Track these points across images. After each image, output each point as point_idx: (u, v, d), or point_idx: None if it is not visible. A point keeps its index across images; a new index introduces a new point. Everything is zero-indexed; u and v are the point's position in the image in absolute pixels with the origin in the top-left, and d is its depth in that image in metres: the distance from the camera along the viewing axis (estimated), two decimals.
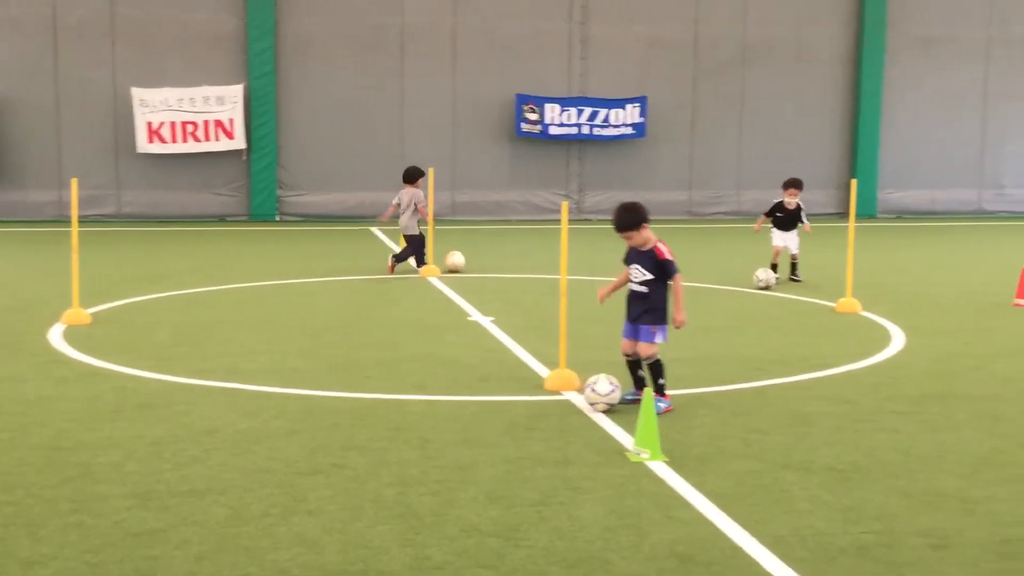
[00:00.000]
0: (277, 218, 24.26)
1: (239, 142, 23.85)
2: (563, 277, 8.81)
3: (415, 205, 15.47)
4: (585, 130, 25.20)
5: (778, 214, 15.14)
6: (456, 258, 15.73)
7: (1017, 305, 13.03)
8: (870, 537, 5.65)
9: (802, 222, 15.09)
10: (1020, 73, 27.18)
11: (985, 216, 27.15)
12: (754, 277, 14.27)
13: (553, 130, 25.06)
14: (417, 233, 15.50)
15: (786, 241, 15.01)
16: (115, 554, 5.33)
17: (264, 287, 14.48)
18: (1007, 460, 7.04)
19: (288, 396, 8.52)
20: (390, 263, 15.43)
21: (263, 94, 23.91)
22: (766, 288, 14.05)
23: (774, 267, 14.78)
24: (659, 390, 8.04)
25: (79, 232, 11.94)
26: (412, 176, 15.77)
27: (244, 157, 24.03)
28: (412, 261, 15.64)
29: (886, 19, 26.11)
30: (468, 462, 6.85)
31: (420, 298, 13.58)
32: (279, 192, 24.40)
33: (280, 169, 24.34)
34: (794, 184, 15.23)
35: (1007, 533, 5.73)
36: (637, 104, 25.25)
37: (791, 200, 15.04)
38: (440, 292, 13.93)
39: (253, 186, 24.21)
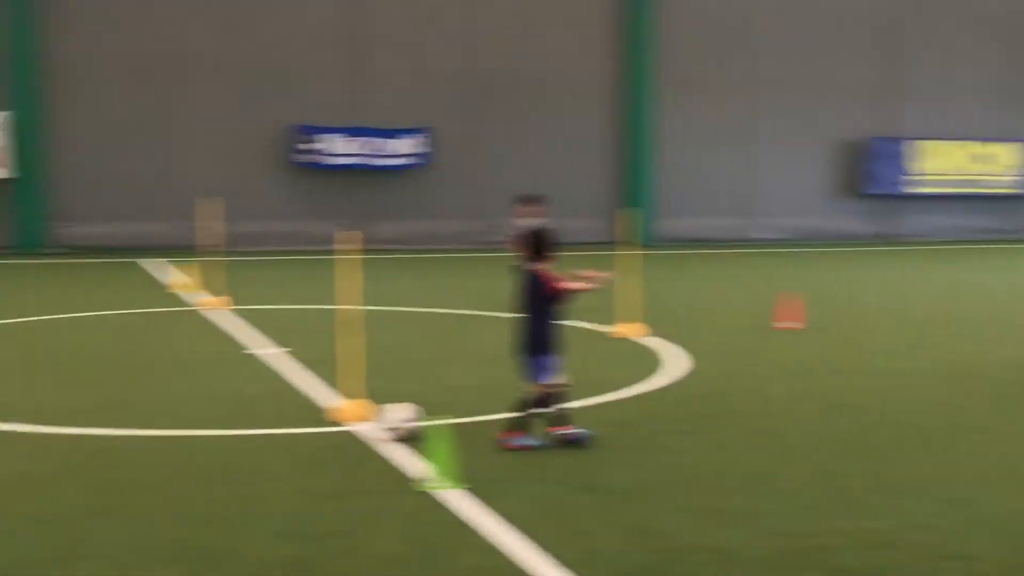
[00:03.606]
0: (45, 251, 23.17)
1: (4, 171, 22.70)
2: (345, 307, 8.75)
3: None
4: (365, 160, 25.17)
5: None
6: None
7: (778, 328, 13.75)
8: (659, 556, 5.83)
9: None
10: (780, 109, 28.80)
11: (749, 243, 28.55)
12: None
13: (331, 160, 24.94)
14: None
15: None
16: None
17: (26, 323, 13.79)
18: (780, 475, 7.41)
19: (60, 436, 8.13)
20: None
21: (28, 121, 22.87)
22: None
23: None
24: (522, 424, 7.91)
25: None
26: (533, 201, 14.48)
27: (9, 186, 22.87)
28: None
29: (653, 57, 27.21)
30: (256, 497, 6.70)
31: (196, 331, 13.22)
32: (50, 223, 23.32)
33: (50, 199, 23.29)
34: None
35: (782, 544, 6.03)
36: (420, 135, 25.42)
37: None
38: (218, 324, 13.60)
39: (20, 216, 23.06)
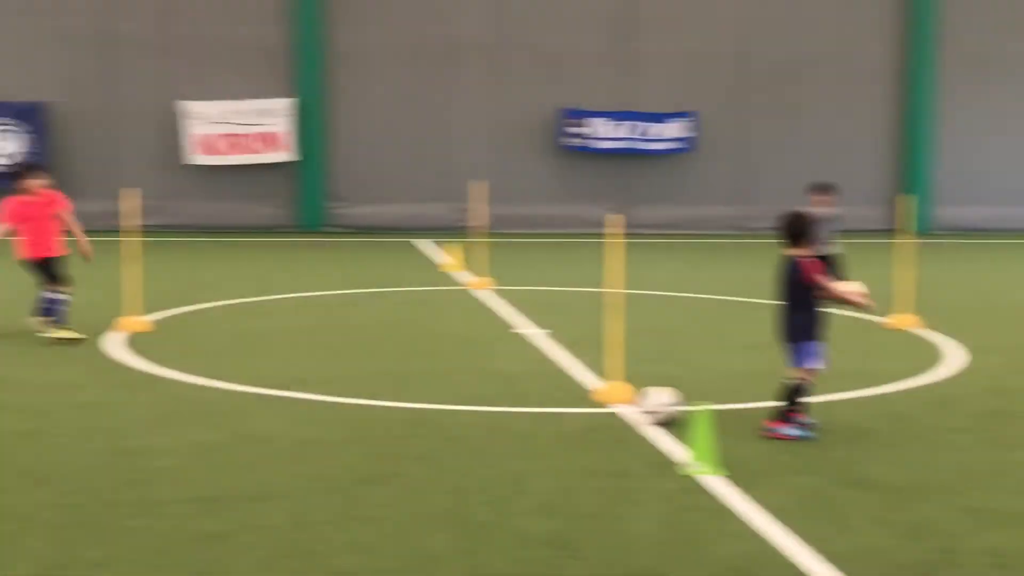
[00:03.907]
0: (326, 229, 24.43)
1: (288, 154, 24.07)
2: (613, 290, 8.81)
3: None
4: (632, 144, 25.19)
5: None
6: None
7: None
8: (933, 555, 5.60)
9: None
10: None
11: None
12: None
13: (599, 144, 25.08)
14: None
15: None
16: (179, 557, 5.40)
17: (313, 297, 14.59)
18: None
19: (343, 405, 8.58)
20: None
21: (311, 107, 24.12)
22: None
23: None
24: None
25: (131, 242, 12.10)
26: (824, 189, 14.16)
27: (293, 169, 24.24)
28: None
29: (936, 35, 25.92)
30: (522, 473, 6.86)
31: (468, 310, 13.62)
32: (328, 204, 24.57)
33: (329, 181, 24.53)
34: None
35: None
36: (685, 118, 25.22)
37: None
38: (488, 304, 13.97)
39: (302, 198, 24.41)
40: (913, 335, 12.12)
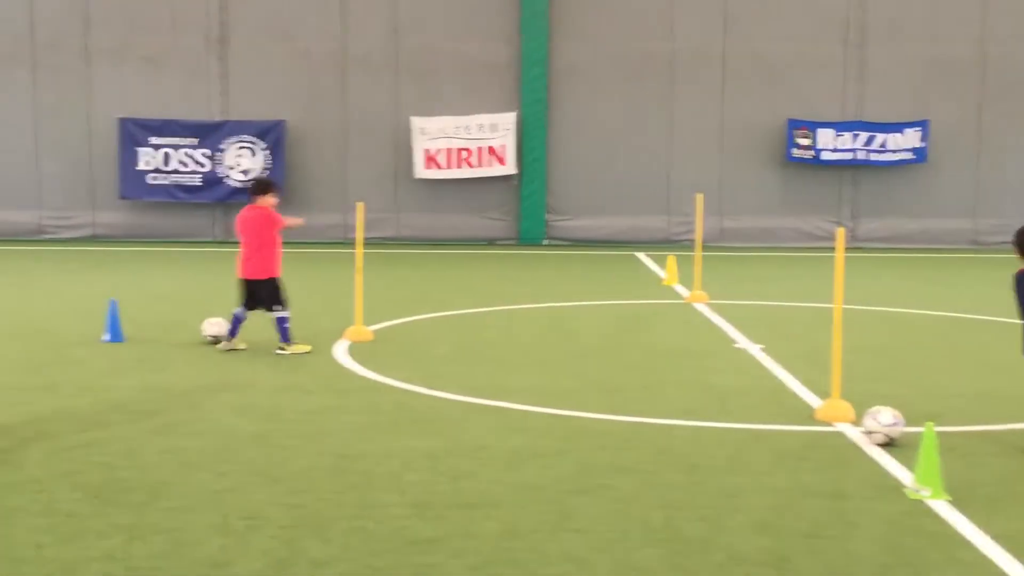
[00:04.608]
0: (545, 242, 24.69)
1: (510, 168, 24.46)
2: (838, 305, 8.57)
3: None
4: (860, 155, 24.42)
5: None
6: None
7: None
8: None
9: None
10: None
11: None
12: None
13: (826, 155, 24.43)
14: None
15: None
16: (395, 559, 5.56)
17: (532, 309, 14.76)
18: None
19: (556, 416, 8.65)
20: None
21: (534, 121, 24.44)
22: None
23: None
24: None
25: (359, 253, 12.53)
26: None
27: (515, 183, 24.62)
28: None
29: None
30: (736, 489, 6.75)
31: (684, 323, 13.50)
32: (547, 216, 24.84)
33: (549, 194, 24.79)
34: None
35: None
36: (917, 128, 24.27)
37: None
38: (704, 318, 13.80)
39: (522, 211, 24.75)
40: None
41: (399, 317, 13.63)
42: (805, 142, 24.37)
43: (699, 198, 16.25)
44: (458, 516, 6.20)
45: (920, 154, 24.32)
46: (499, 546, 5.75)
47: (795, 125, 24.37)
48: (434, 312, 14.19)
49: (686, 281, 16.51)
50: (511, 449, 7.64)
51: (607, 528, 6.04)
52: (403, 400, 9.17)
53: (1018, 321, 7.86)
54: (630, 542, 5.83)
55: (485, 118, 24.39)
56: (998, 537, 5.89)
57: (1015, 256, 7.63)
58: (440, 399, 9.21)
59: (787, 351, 11.37)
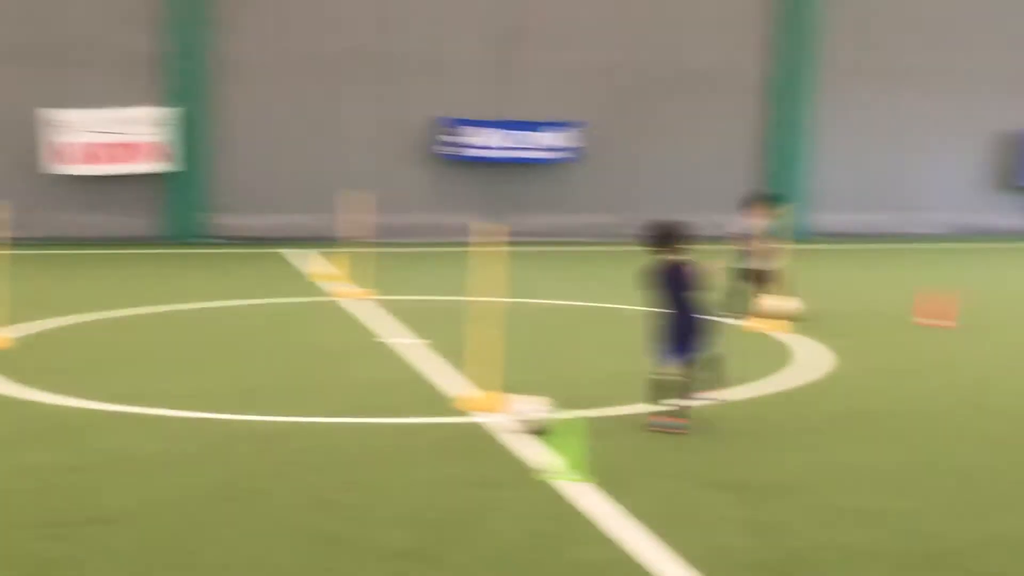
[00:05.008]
0: (200, 241, 23.95)
1: (159, 164, 23.54)
2: (477, 299, 8.79)
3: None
4: (511, 153, 25.32)
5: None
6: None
7: (925, 325, 13.28)
8: (787, 554, 5.69)
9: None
10: (935, 100, 27.89)
11: (904, 239, 27.67)
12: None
13: (473, 152, 25.16)
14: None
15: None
16: None
17: (181, 311, 14.26)
18: (919, 474, 7.15)
19: (203, 420, 8.37)
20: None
21: (192, 116, 23.64)
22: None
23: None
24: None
25: None
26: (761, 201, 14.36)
27: (161, 179, 23.71)
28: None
29: (812, 48, 26.62)
30: (381, 484, 6.78)
31: (333, 321, 13.45)
32: (208, 215, 24.10)
33: (210, 192, 24.06)
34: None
35: (915, 545, 5.80)
36: (564, 128, 25.43)
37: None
38: (352, 315, 13.80)
39: (175, 208, 23.90)
40: (777, 339, 12.35)
41: (36, 322, 12.77)
42: (454, 139, 25.00)
43: (357, 194, 16.23)
44: (93, 532, 5.86)
45: (568, 152, 25.53)
46: (139, 561, 5.48)
47: (445, 123, 24.92)
48: (75, 316, 13.41)
49: (347, 277, 16.47)
50: (155, 457, 7.33)
51: (256, 533, 5.90)
52: (40, 410, 8.59)
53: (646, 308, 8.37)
54: (268, 547, 5.71)
55: (133, 112, 23.31)
56: (630, 513, 6.22)
57: (652, 248, 8.14)
58: (70, 408, 8.68)
59: (443, 344, 11.55)
